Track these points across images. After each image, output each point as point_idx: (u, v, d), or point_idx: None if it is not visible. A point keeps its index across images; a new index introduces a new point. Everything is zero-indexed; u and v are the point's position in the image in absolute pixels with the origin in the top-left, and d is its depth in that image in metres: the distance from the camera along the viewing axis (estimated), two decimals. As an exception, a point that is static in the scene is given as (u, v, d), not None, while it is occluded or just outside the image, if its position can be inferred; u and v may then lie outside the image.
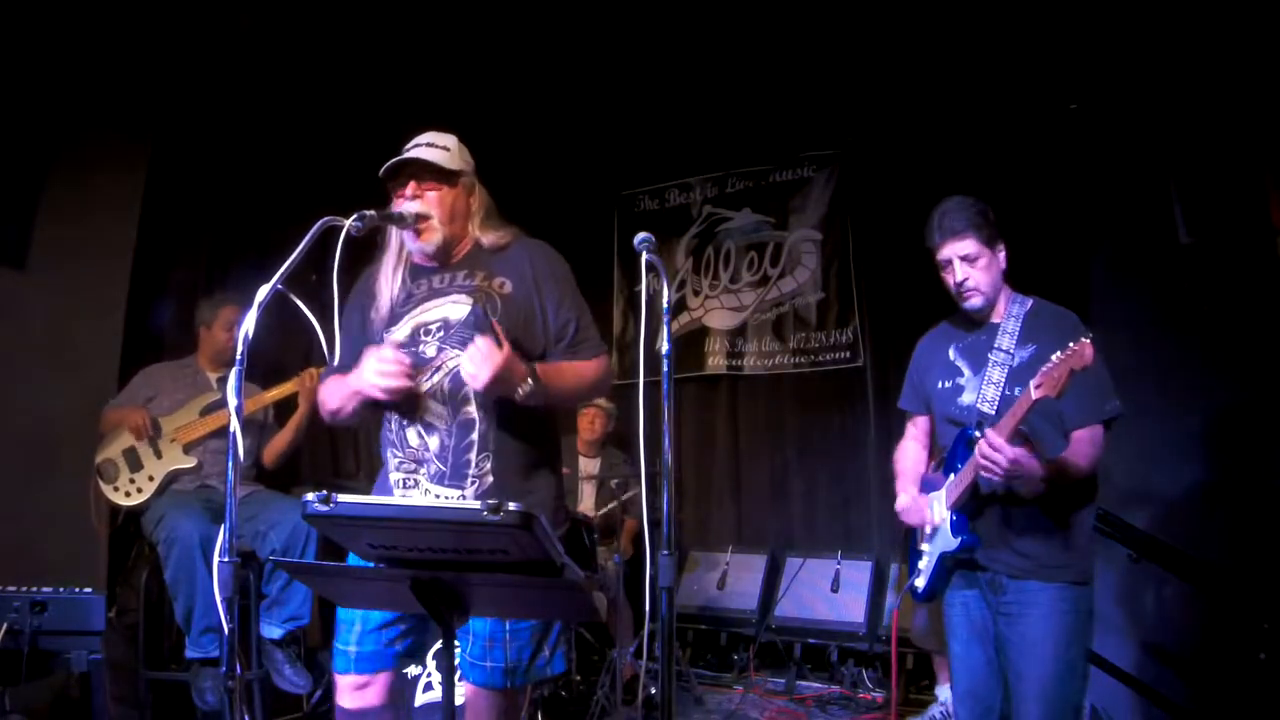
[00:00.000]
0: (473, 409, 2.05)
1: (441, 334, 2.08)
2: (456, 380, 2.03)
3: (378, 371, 1.98)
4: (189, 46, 4.18)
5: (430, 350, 2.08)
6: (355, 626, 2.08)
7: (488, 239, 2.20)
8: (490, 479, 2.05)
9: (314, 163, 4.88)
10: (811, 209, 5.49)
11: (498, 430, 2.06)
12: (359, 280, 2.21)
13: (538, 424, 2.13)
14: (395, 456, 2.10)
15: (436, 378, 2.05)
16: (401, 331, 2.13)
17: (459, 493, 2.03)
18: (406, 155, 2.13)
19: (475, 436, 2.05)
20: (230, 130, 4.52)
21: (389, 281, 2.18)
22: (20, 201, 3.65)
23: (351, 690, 2.08)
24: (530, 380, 1.97)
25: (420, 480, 2.06)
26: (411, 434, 2.07)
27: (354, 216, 1.98)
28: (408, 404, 2.07)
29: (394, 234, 2.20)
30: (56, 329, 3.68)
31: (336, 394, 2.14)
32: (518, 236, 2.25)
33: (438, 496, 2.03)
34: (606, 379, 2.22)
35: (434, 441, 2.05)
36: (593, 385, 2.20)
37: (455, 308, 2.11)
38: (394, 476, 2.10)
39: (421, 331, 2.11)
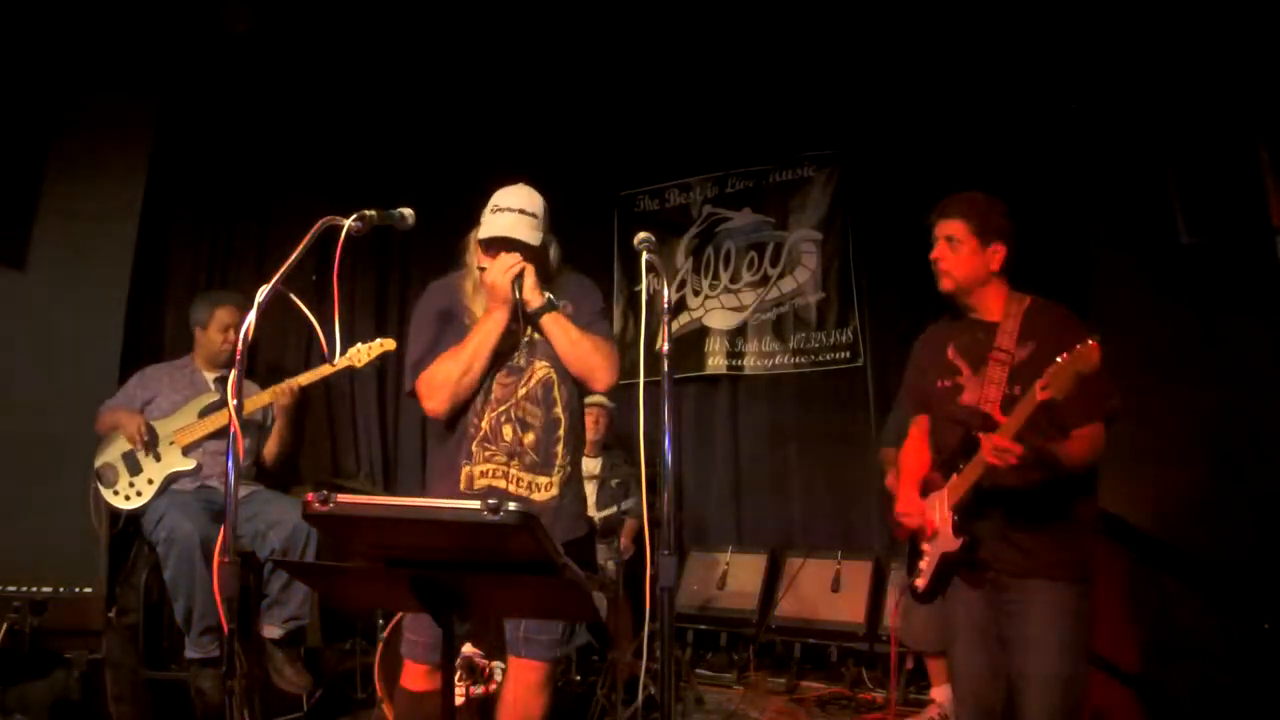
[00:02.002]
0: (559, 410, 2.43)
1: (528, 348, 2.44)
2: (547, 386, 2.43)
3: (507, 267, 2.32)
4: (189, 47, 4.18)
5: (521, 362, 2.43)
6: (423, 616, 2.24)
7: (555, 278, 2.54)
8: (569, 468, 2.44)
9: (315, 162, 4.88)
10: (811, 209, 5.49)
11: (573, 429, 2.45)
12: (433, 291, 2.53)
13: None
14: (487, 450, 2.38)
15: (531, 384, 2.42)
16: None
17: (547, 479, 2.39)
18: (502, 234, 2.35)
19: (561, 433, 2.42)
20: (231, 130, 4.52)
21: (473, 300, 2.47)
22: (20, 201, 3.65)
23: (420, 677, 2.35)
24: (550, 295, 2.37)
25: (511, 470, 2.38)
26: (507, 429, 2.39)
27: (354, 216, 2.00)
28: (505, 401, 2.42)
29: (473, 256, 2.46)
30: (56, 329, 3.68)
31: (460, 359, 2.35)
32: (567, 271, 2.60)
33: (530, 484, 2.37)
34: (608, 356, 2.43)
35: (529, 437, 2.39)
36: (595, 347, 2.41)
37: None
38: (479, 468, 2.38)
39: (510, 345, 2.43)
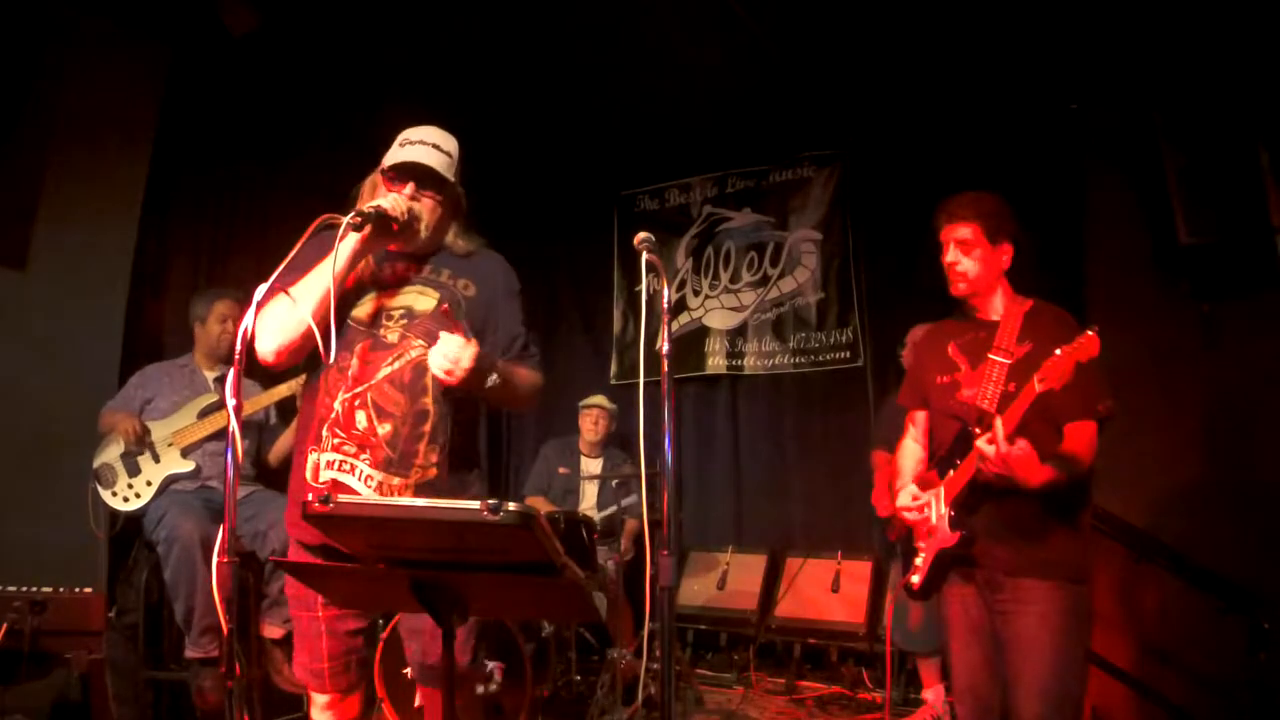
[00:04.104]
0: (429, 401, 2.07)
1: (405, 322, 2.10)
2: (419, 370, 2.05)
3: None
4: (190, 46, 4.18)
5: (392, 336, 2.09)
6: (323, 643, 2.10)
7: (458, 245, 2.25)
8: (434, 471, 2.07)
9: (315, 161, 4.88)
10: (811, 209, 5.49)
11: (448, 425, 2.08)
12: (319, 232, 1.95)
13: (474, 424, 2.23)
14: (335, 436, 2.04)
15: (398, 365, 2.06)
16: (362, 309, 2.12)
17: (401, 481, 2.04)
18: (414, 160, 2.13)
19: (427, 428, 2.06)
20: (232, 129, 4.52)
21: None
22: (20, 201, 3.65)
23: (326, 707, 2.13)
24: (495, 374, 2.04)
25: (360, 465, 2.03)
26: (360, 416, 2.04)
27: (351, 213, 1.98)
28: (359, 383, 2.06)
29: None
30: (56, 329, 3.68)
31: (283, 306, 1.99)
32: (480, 247, 2.30)
33: (382, 484, 2.03)
34: (535, 394, 2.28)
35: (384, 428, 2.03)
36: (529, 395, 2.25)
37: (420, 299, 2.14)
38: (326, 457, 2.04)
39: (384, 316, 2.11)
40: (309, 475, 2.06)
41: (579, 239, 6.06)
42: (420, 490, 2.04)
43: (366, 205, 2.02)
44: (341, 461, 2.03)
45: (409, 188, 2.13)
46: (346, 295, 2.10)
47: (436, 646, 1.98)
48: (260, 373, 3.73)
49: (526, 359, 2.25)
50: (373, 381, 2.05)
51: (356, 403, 2.04)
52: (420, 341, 2.07)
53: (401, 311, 2.11)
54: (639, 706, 3.66)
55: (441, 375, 1.97)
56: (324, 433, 2.05)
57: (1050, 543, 2.22)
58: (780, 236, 5.58)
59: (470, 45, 4.56)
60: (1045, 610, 2.18)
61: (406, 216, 2.07)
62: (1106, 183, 4.18)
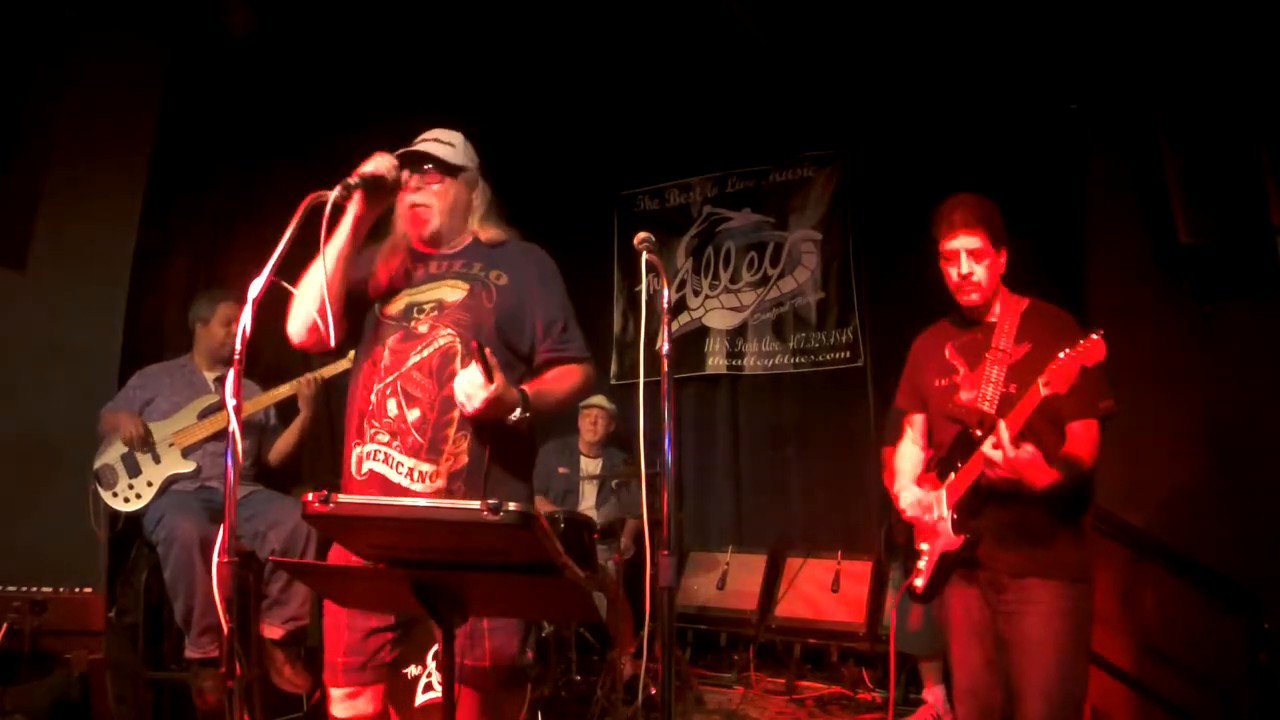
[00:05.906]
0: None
1: (435, 313, 2.14)
2: (446, 356, 2.08)
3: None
4: (190, 47, 4.18)
5: (423, 327, 2.13)
6: (341, 637, 2.09)
7: (486, 235, 2.28)
8: (465, 458, 2.07)
9: (317, 163, 4.87)
10: (811, 209, 5.50)
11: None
12: (364, 249, 2.21)
13: (517, 434, 2.15)
14: (371, 427, 2.09)
15: (426, 353, 2.10)
16: (395, 306, 2.19)
17: (432, 468, 2.04)
18: (411, 149, 2.20)
19: (456, 414, 2.06)
20: (232, 130, 4.52)
21: (387, 259, 2.24)
22: (20, 201, 3.65)
23: (342, 700, 2.10)
24: (520, 408, 2.05)
25: (393, 453, 2.06)
26: (391, 404, 2.08)
27: (338, 185, 1.99)
28: (390, 371, 2.10)
29: (397, 220, 2.26)
30: (56, 329, 3.68)
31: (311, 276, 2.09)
32: (514, 237, 2.33)
33: (413, 471, 2.04)
34: (587, 387, 2.28)
35: (413, 413, 2.06)
36: (576, 393, 2.26)
37: (451, 290, 2.18)
38: (366, 448, 2.09)
39: (415, 309, 2.17)
40: (353, 469, 2.10)
41: (579, 239, 6.05)
42: (452, 478, 2.04)
43: (352, 176, 2.05)
44: (376, 451, 2.07)
45: (414, 179, 2.20)
46: (375, 297, 2.18)
47: (472, 646, 2.04)
48: (260, 373, 3.74)
49: (569, 346, 2.24)
50: (402, 370, 2.09)
51: (388, 391, 2.09)
52: (449, 330, 2.11)
53: (432, 304, 2.16)
54: (639, 706, 3.66)
55: (461, 401, 2.02)
56: (363, 425, 2.11)
57: (1054, 543, 2.23)
58: (780, 236, 5.58)
59: (471, 45, 4.57)
60: (1049, 610, 2.19)
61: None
62: (1106, 183, 4.18)
